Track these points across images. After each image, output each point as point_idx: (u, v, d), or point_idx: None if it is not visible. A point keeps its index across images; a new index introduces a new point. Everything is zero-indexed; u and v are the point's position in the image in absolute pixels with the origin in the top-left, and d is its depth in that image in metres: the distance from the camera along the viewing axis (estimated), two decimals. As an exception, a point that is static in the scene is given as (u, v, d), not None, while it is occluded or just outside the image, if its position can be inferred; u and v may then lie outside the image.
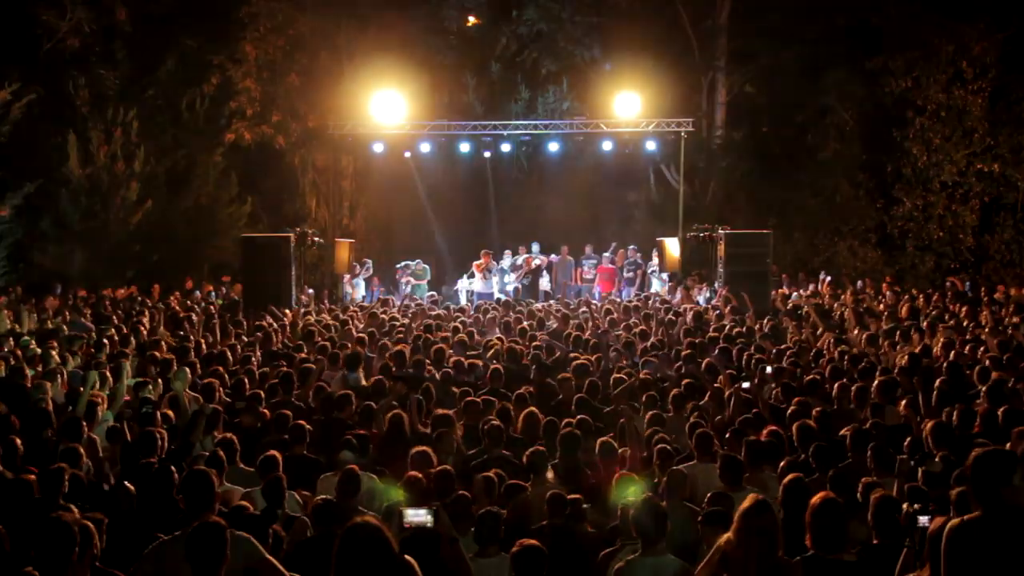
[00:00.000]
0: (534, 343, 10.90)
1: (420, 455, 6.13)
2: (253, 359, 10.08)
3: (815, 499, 4.42)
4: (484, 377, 9.27)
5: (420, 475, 5.76)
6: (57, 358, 9.52)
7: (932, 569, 3.95)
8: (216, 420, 7.33)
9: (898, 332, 11.02)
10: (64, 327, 11.87)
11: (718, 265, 17.01)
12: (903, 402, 7.32)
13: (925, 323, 11.81)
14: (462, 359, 10.02)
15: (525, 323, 12.46)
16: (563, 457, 6.52)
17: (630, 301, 15.41)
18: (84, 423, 6.91)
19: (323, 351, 10.15)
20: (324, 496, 5.63)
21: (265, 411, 7.80)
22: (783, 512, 4.92)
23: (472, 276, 18.99)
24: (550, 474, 6.29)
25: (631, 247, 20.03)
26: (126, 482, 5.62)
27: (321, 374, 9.30)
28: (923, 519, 4.15)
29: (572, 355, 10.20)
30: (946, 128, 19.76)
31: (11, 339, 10.56)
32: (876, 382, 8.10)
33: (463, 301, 17.89)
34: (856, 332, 11.46)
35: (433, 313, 14.05)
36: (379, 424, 7.68)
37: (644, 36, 22.44)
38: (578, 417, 7.33)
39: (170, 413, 7.57)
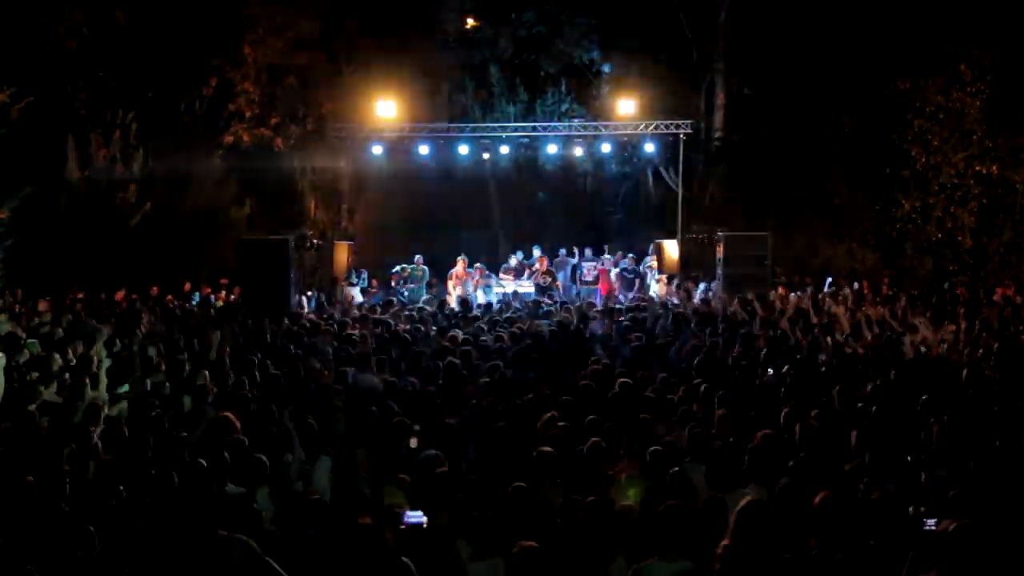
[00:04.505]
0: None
1: (431, 459, 6.10)
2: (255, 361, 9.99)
3: (818, 498, 4.40)
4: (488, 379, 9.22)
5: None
6: (60, 361, 9.53)
7: (939, 572, 3.94)
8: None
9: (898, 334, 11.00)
10: (60, 330, 11.83)
11: (717, 267, 17.01)
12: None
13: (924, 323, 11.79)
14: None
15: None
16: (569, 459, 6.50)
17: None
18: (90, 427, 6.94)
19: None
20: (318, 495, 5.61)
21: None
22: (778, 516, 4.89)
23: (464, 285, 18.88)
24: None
25: (631, 255, 20.02)
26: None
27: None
28: (930, 521, 4.15)
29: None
30: (945, 130, 19.78)
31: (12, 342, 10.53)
32: (877, 384, 8.08)
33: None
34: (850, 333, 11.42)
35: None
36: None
37: (643, 38, 22.49)
38: (589, 419, 7.27)
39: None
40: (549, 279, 18.61)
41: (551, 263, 19.58)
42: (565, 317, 12.45)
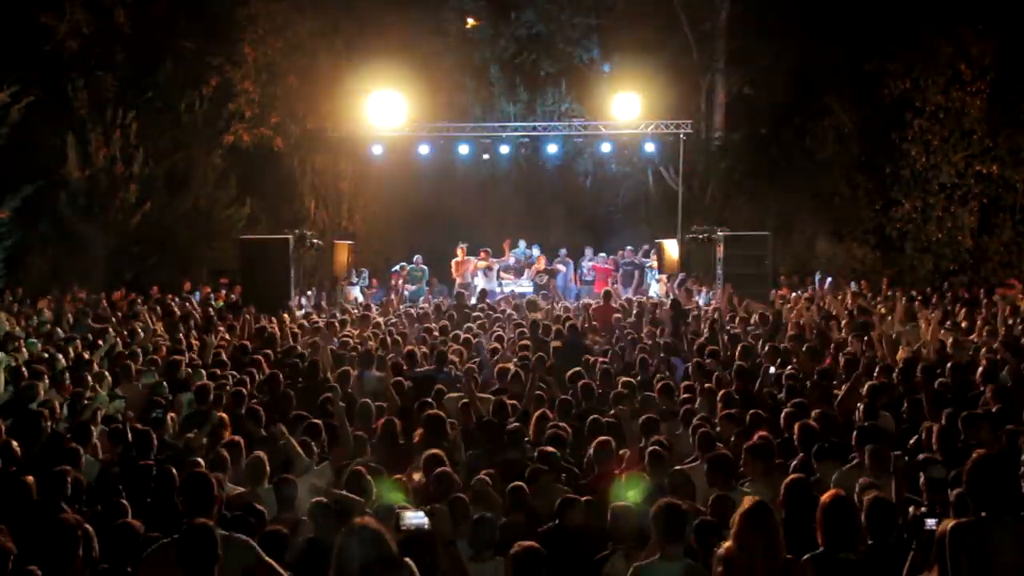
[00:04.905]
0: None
1: (433, 458, 6.09)
2: (262, 360, 9.94)
3: (826, 496, 4.40)
4: (490, 378, 9.24)
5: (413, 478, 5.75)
6: (63, 361, 9.54)
7: (940, 572, 3.94)
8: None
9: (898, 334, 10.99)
10: (59, 330, 11.84)
11: (717, 267, 17.00)
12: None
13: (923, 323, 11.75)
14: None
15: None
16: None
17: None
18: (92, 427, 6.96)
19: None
20: (321, 497, 5.60)
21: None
22: (784, 512, 4.90)
23: (475, 275, 18.93)
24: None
25: (628, 248, 20.06)
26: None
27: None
28: (930, 521, 4.14)
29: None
30: (944, 130, 19.76)
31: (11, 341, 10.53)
32: (873, 384, 8.06)
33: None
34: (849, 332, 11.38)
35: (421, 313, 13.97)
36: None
37: (643, 38, 22.47)
38: (590, 418, 7.27)
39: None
40: (546, 277, 18.64)
41: (550, 263, 19.59)
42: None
